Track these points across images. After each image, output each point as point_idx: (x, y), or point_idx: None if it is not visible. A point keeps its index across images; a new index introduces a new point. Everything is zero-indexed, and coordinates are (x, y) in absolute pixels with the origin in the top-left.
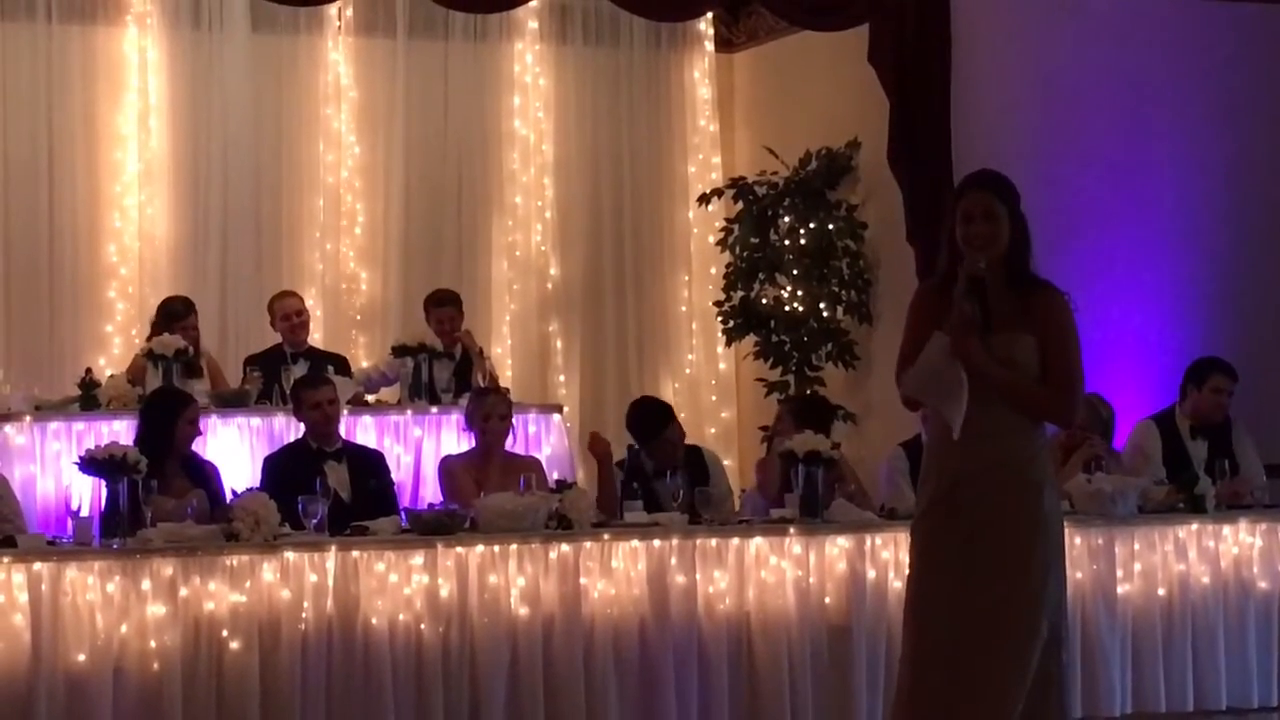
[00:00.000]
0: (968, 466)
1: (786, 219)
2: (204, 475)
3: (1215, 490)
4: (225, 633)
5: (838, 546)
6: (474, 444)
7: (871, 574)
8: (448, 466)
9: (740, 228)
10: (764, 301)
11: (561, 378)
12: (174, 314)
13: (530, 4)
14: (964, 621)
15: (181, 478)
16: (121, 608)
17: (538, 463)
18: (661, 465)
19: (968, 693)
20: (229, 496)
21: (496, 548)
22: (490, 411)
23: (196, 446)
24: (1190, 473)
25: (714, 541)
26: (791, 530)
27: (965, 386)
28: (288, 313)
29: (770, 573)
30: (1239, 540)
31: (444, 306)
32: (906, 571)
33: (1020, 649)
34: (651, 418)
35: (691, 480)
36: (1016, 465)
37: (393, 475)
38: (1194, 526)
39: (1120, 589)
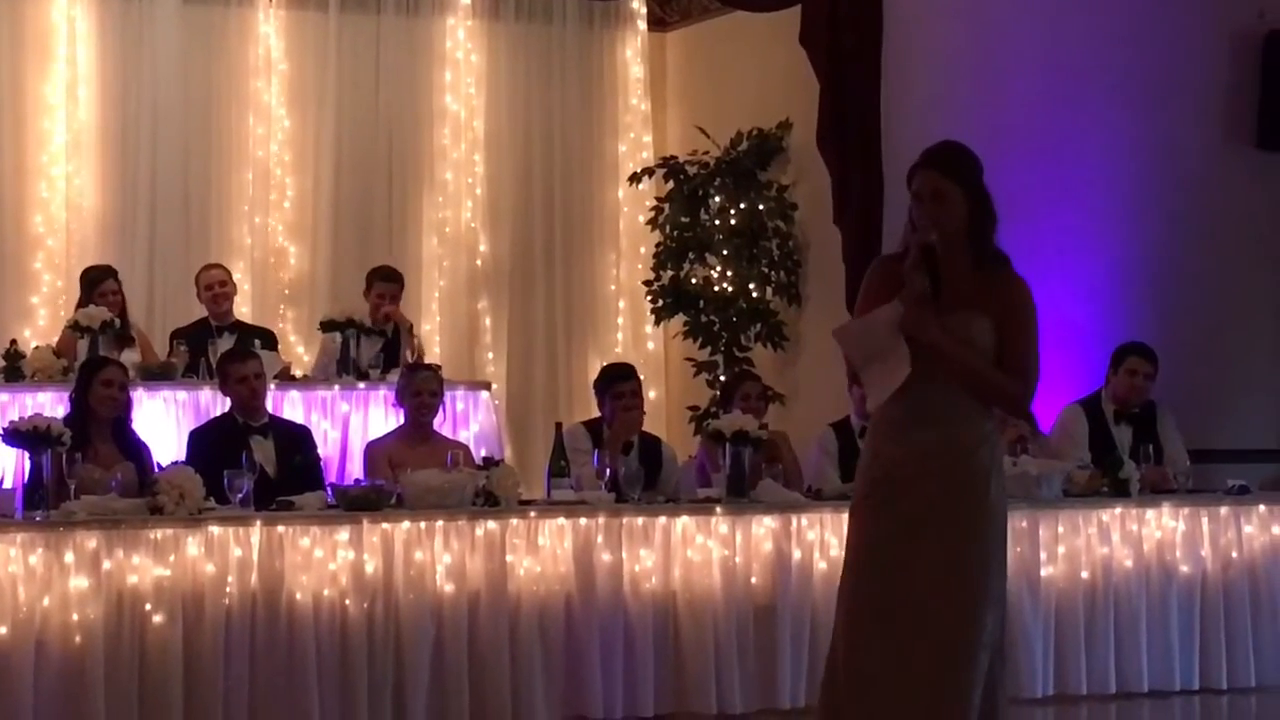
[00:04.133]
0: (912, 449)
1: (717, 199)
2: (136, 451)
3: (1139, 474)
4: (149, 606)
5: (764, 526)
6: (404, 420)
7: (797, 554)
8: (370, 452)
9: (670, 207)
10: (693, 281)
11: (490, 355)
12: (92, 281)
13: None
14: (903, 612)
15: (111, 447)
16: (44, 580)
17: (466, 447)
18: (619, 431)
19: (914, 692)
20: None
21: (423, 524)
22: (421, 388)
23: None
24: (1115, 457)
25: (640, 520)
26: (718, 510)
27: (903, 362)
28: (210, 283)
29: (697, 551)
30: (1162, 524)
31: (389, 282)
32: (842, 554)
33: (966, 646)
34: (615, 368)
35: (643, 465)
36: (962, 451)
37: (319, 451)
38: (1118, 510)
39: (1044, 571)
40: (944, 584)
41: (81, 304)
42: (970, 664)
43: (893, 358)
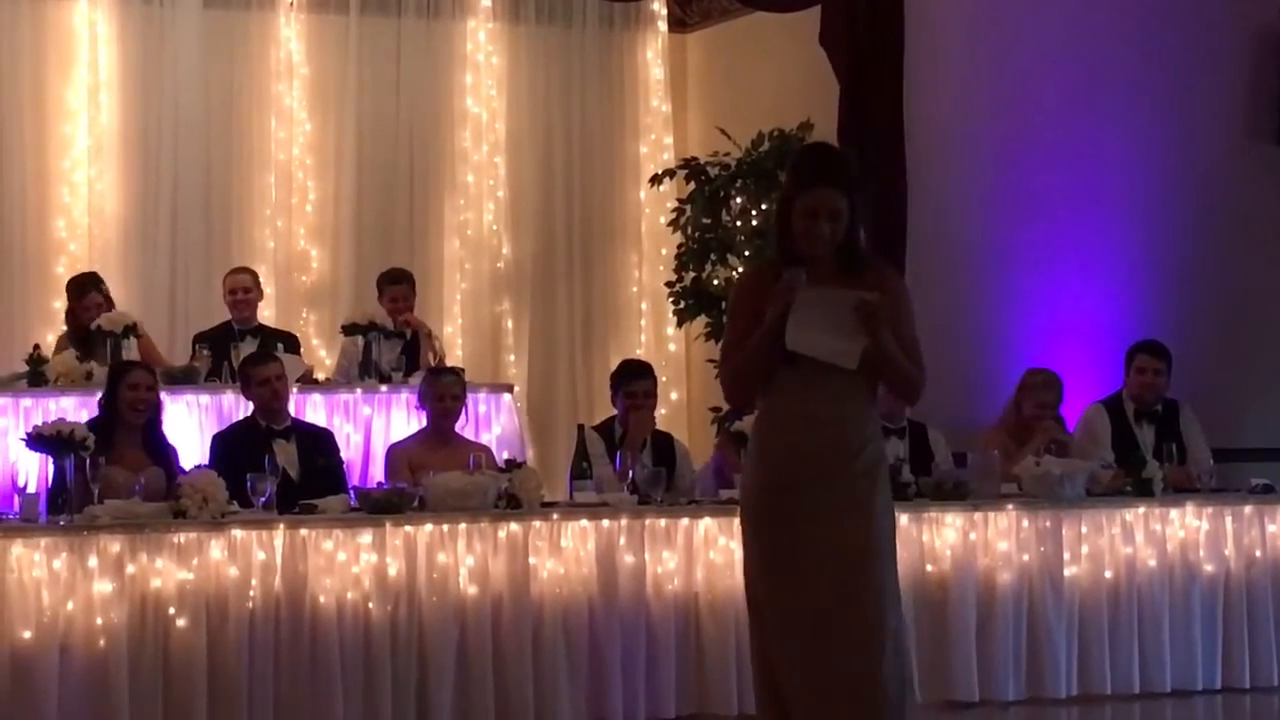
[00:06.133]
0: (797, 450)
1: (738, 200)
2: (164, 455)
3: (1162, 474)
4: (172, 610)
5: None
6: (426, 423)
7: None
8: (391, 454)
9: (692, 208)
10: (715, 283)
11: (512, 357)
12: (78, 291)
13: None
14: (815, 620)
15: (139, 452)
16: (68, 585)
17: (488, 449)
18: (633, 432)
19: (835, 699)
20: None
21: (445, 527)
22: (444, 392)
23: None
24: (1138, 456)
25: (663, 522)
26: None
27: (855, 352)
28: (234, 288)
29: (719, 553)
30: (1185, 524)
31: (397, 284)
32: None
33: (877, 649)
34: (632, 365)
35: (657, 463)
36: (849, 452)
37: (342, 454)
38: (1141, 510)
39: (1067, 571)
40: (844, 590)
41: (69, 312)
42: (884, 663)
43: (847, 342)
